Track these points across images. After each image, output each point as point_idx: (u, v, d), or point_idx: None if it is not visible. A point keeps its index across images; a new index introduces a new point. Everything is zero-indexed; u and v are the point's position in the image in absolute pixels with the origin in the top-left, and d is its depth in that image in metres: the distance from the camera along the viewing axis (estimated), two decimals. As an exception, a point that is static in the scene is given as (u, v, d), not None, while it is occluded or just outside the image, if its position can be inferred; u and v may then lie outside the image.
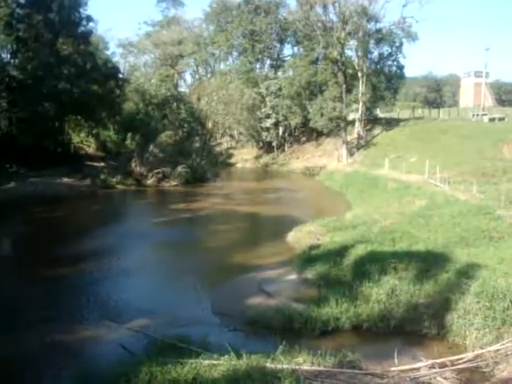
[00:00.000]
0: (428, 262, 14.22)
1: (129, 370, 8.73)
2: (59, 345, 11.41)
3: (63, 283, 15.98)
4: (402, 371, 9.13)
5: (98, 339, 11.88)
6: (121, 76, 57.41)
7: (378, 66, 58.82)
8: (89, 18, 47.47)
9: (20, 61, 43.26)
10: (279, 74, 71.13)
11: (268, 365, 8.70)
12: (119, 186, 40.90)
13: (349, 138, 55.87)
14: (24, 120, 42.66)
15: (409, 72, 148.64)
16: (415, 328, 11.86)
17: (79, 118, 50.26)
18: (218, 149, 73.72)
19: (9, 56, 44.65)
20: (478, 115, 54.85)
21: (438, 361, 9.54)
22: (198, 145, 61.49)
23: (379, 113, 66.85)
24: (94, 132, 53.51)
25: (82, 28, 47.25)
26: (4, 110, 42.31)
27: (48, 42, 43.70)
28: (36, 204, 31.13)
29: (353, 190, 37.43)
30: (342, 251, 16.52)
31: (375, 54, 58.80)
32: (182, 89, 79.93)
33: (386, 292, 12.68)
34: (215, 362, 8.89)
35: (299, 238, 21.23)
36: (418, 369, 9.29)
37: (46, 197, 34.07)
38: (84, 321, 12.95)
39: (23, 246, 21.97)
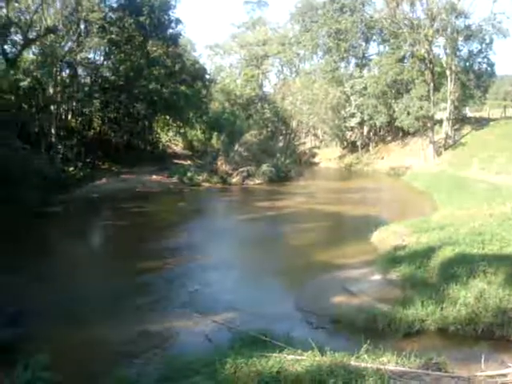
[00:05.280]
0: (520, 266, 13.70)
1: (215, 361, 8.99)
2: (150, 332, 12.03)
3: (154, 275, 16.67)
4: (489, 376, 8.83)
5: (185, 329, 12.37)
6: (207, 77, 58.85)
7: (467, 64, 56.49)
8: (177, 21, 49.07)
9: (112, 62, 45.22)
10: (364, 72, 70.02)
11: (352, 363, 8.70)
12: (205, 184, 41.83)
13: (436, 138, 54.24)
14: (116, 119, 44.62)
15: (500, 70, 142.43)
16: (504, 333, 11.46)
17: (168, 117, 51.89)
18: (301, 148, 73.46)
19: (102, 58, 46.85)
20: None
21: (528, 368, 9.19)
22: (282, 144, 61.87)
23: (468, 112, 64.42)
24: (181, 131, 55.12)
25: (171, 30, 48.91)
26: (97, 110, 44.41)
27: (139, 44, 45.49)
28: (126, 199, 32.54)
29: (440, 191, 36.32)
30: (428, 252, 16.15)
31: (464, 51, 56.38)
32: (267, 89, 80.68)
33: (475, 295, 12.31)
34: (299, 358, 8.97)
35: (384, 238, 20.87)
36: (505, 375, 8.96)
37: (135, 193, 35.62)
38: (172, 311, 13.52)
39: (117, 238, 23.17)
